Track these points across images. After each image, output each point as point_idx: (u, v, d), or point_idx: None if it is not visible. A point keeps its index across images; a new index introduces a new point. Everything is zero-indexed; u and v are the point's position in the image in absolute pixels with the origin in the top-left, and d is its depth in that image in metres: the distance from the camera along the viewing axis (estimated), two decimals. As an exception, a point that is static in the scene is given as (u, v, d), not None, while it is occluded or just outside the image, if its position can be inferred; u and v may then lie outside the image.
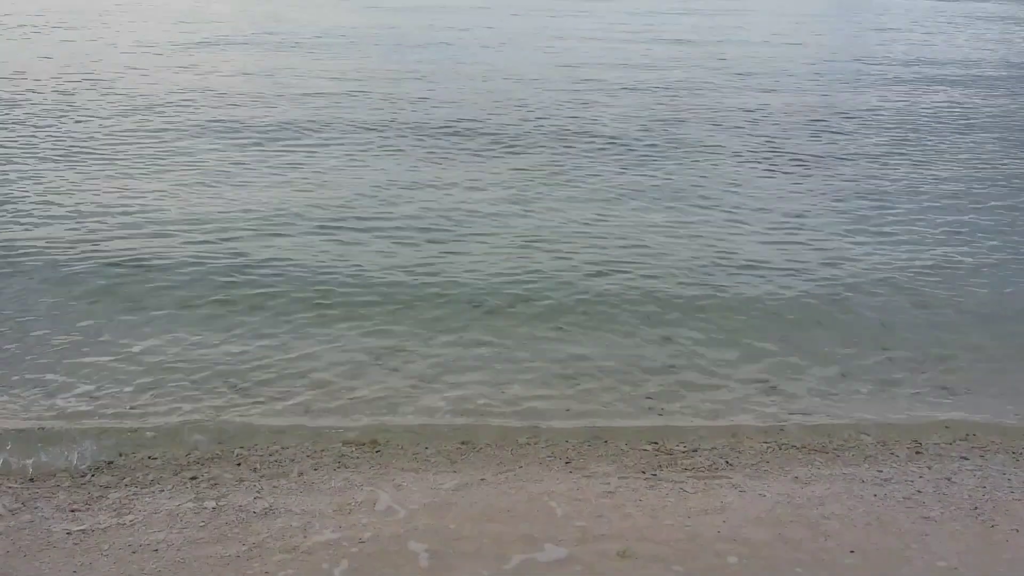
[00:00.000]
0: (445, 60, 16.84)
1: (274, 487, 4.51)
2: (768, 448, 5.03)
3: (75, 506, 4.30)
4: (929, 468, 4.87)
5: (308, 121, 11.98)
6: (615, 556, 3.96)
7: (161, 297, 6.73)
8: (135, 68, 15.49)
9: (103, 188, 9.15)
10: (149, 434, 5.01)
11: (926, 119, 13.67)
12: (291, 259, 7.48)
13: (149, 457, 4.79)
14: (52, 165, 9.94)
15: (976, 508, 4.47)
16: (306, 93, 13.56)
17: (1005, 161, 11.23)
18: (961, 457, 5.00)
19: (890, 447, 5.08)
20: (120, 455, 4.80)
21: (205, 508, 4.29)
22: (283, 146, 10.93)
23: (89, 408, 5.28)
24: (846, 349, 6.23)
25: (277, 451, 4.87)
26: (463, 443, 5.01)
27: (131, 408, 5.29)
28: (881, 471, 4.83)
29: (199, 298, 6.72)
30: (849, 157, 11.19)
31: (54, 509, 4.27)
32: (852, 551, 4.07)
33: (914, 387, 5.78)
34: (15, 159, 10.22)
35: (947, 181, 10.26)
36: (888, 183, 10.13)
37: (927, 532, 4.24)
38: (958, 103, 15.15)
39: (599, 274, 7.33)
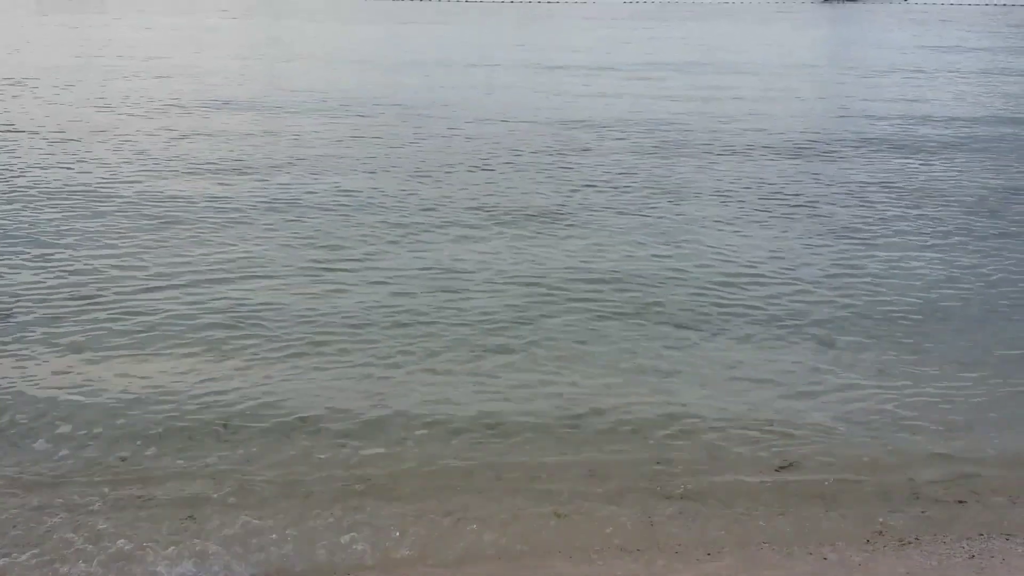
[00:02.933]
0: (441, 120, 16.80)
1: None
2: (764, 488, 5.02)
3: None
4: (925, 512, 4.85)
5: (303, 185, 11.95)
6: None
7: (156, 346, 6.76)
8: (132, 128, 15.31)
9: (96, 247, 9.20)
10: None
11: (915, 160, 13.83)
12: (286, 307, 7.58)
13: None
14: (47, 214, 10.02)
15: (973, 557, 4.45)
16: (301, 158, 13.43)
17: (998, 201, 11.33)
18: (958, 502, 4.99)
19: (887, 489, 5.07)
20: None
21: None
22: (278, 199, 11.03)
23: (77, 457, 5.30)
24: (842, 390, 6.24)
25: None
26: (459, 483, 5.05)
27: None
28: (881, 510, 4.82)
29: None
30: (838, 199, 11.28)
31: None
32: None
33: (912, 429, 5.78)
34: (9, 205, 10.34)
35: (938, 221, 10.32)
36: (878, 225, 10.20)
37: (923, 581, 4.22)
38: (948, 144, 15.36)
39: (599, 316, 7.37)
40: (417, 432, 5.63)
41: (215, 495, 4.90)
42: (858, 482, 5.14)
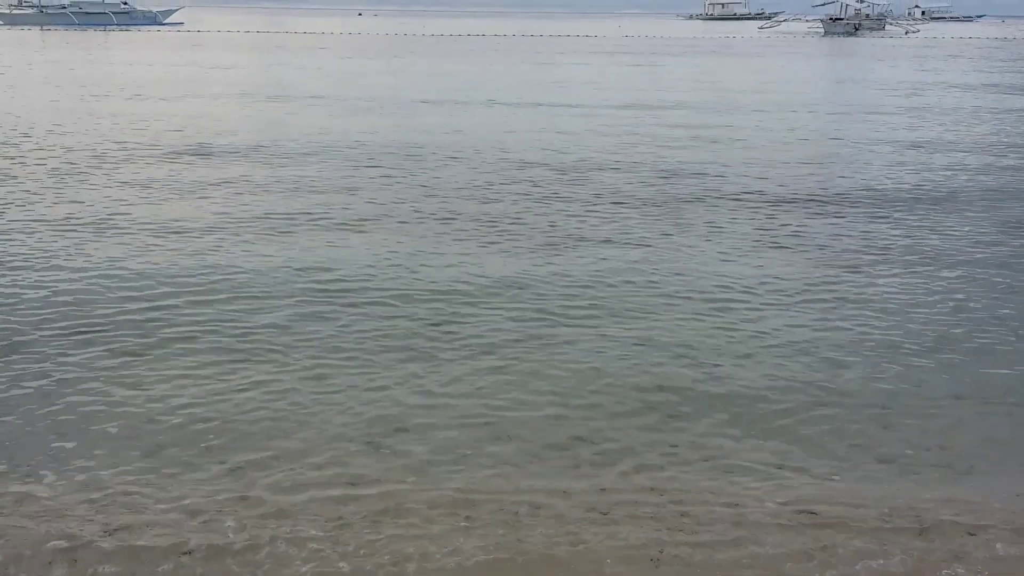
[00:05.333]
0: (441, 157, 16.80)
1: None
2: (771, 527, 4.98)
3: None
4: (931, 551, 4.81)
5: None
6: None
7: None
8: (127, 175, 14.92)
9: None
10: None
11: (920, 195, 13.87)
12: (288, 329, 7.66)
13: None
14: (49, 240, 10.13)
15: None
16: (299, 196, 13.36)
17: (1003, 238, 11.32)
18: (967, 534, 4.94)
19: (893, 528, 5.03)
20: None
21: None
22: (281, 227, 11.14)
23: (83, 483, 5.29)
24: (846, 428, 6.20)
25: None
26: (465, 520, 5.00)
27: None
28: (886, 547, 4.78)
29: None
30: (840, 236, 11.29)
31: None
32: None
33: (916, 466, 5.73)
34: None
35: (941, 258, 10.32)
36: (881, 261, 10.20)
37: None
38: (952, 178, 15.47)
39: (600, 356, 7.32)
40: (418, 460, 5.60)
41: (215, 530, 4.86)
42: (864, 520, 5.08)
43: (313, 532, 4.87)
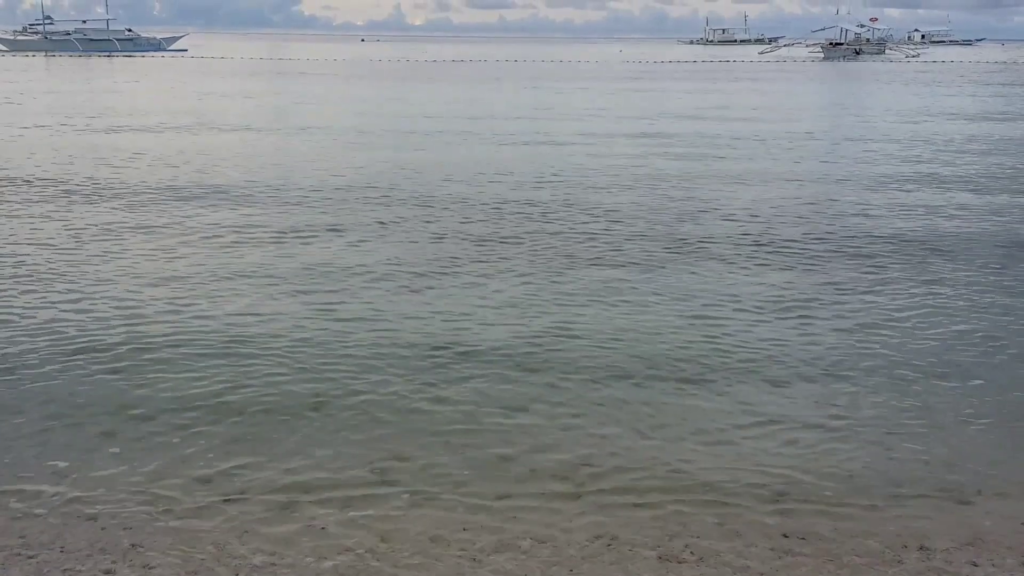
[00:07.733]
0: (447, 186, 16.92)
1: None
2: (775, 555, 4.96)
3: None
4: (936, 574, 4.78)
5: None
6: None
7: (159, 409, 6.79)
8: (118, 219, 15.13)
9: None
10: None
11: (920, 222, 13.89)
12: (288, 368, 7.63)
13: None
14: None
15: (988, 621, 4.38)
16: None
17: (1004, 262, 11.32)
18: (971, 564, 4.92)
19: (898, 555, 5.00)
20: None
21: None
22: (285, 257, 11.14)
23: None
24: (850, 454, 6.18)
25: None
26: (466, 552, 4.98)
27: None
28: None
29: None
30: (843, 257, 11.33)
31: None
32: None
33: (921, 491, 5.70)
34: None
35: (945, 283, 10.31)
36: (884, 282, 10.21)
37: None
38: (954, 199, 15.59)
39: (602, 385, 7.31)
40: (420, 492, 5.58)
41: (216, 558, 4.85)
42: (868, 547, 5.06)
43: (316, 565, 4.86)
